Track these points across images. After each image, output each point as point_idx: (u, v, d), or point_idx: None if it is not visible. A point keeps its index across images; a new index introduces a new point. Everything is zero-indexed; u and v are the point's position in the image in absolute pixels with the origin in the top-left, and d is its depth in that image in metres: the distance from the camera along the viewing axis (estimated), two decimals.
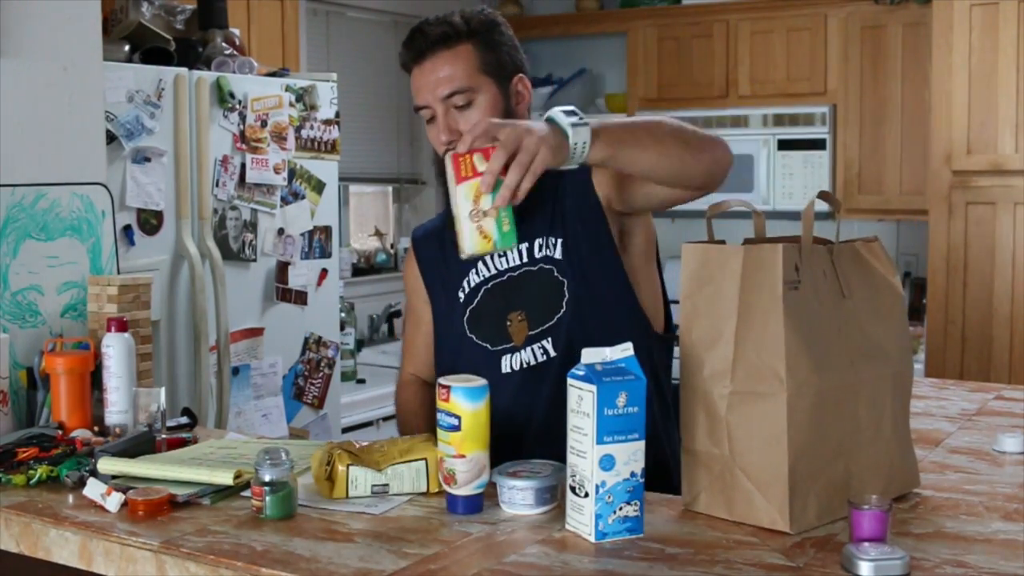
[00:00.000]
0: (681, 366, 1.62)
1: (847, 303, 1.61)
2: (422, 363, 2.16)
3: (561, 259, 1.94)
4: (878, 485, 1.58)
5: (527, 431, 1.89)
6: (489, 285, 1.98)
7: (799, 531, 1.51)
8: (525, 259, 1.97)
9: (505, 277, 1.98)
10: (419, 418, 2.08)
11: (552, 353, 1.92)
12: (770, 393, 1.51)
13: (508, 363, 1.95)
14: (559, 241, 1.95)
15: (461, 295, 2.01)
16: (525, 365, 1.95)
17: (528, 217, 1.91)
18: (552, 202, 1.97)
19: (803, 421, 1.51)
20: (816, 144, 4.46)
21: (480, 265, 1.99)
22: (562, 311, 1.93)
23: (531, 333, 1.94)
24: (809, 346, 1.52)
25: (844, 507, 1.46)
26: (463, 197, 1.41)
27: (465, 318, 2.00)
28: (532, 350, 1.94)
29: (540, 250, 1.95)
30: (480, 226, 1.41)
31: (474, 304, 1.99)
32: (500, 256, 1.96)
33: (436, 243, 2.11)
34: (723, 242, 1.73)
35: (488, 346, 1.97)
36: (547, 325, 1.93)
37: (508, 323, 1.97)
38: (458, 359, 1.98)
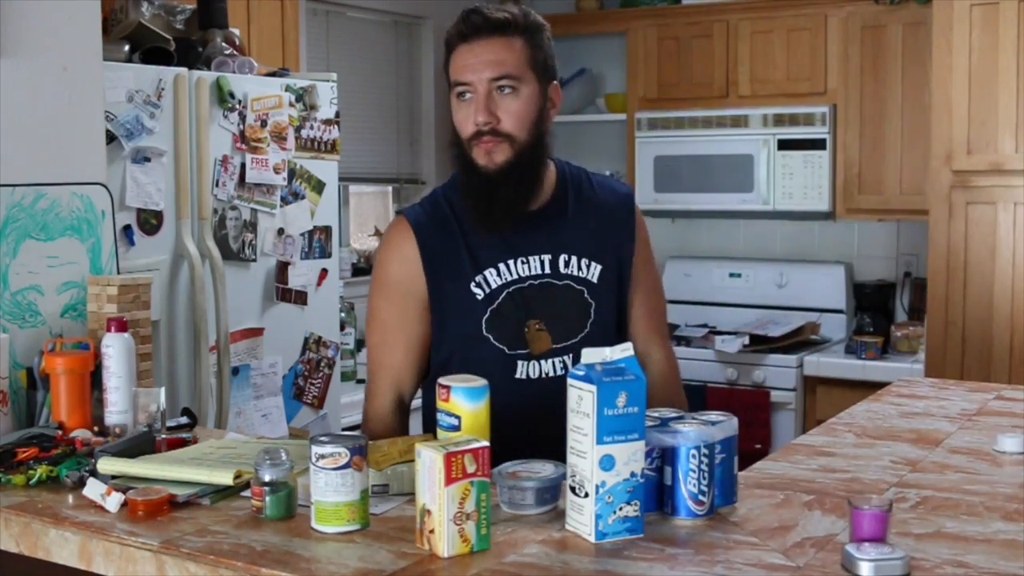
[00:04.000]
0: None
1: None
2: (407, 380, 2.09)
3: (596, 284, 2.06)
4: None
5: (534, 437, 1.84)
6: (511, 289, 2.02)
7: None
8: (548, 271, 2.04)
9: (527, 284, 2.03)
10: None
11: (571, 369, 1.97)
12: None
13: (523, 370, 2.03)
14: (598, 268, 2.07)
15: (479, 292, 2.02)
16: (544, 375, 2.02)
17: (555, 230, 2.05)
18: (595, 227, 2.09)
19: None
20: (816, 144, 4.46)
21: (500, 266, 2.02)
22: (586, 331, 2.04)
23: (555, 347, 2.03)
24: None
25: None
26: (450, 499, 1.41)
27: (485, 318, 2.01)
28: (552, 363, 2.03)
29: (566, 267, 2.05)
30: (462, 529, 1.42)
31: (495, 305, 2.02)
32: (523, 262, 2.03)
33: (441, 230, 2.04)
34: None
35: (505, 349, 2.02)
36: (571, 342, 2.03)
37: (526, 330, 2.01)
38: (470, 357, 2.00)
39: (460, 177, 2.03)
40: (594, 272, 2.07)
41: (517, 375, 2.03)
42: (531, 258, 2.03)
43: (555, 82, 2.04)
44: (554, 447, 1.64)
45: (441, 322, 2.04)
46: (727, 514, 1.61)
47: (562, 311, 2.04)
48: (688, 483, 1.58)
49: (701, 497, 1.58)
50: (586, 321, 2.05)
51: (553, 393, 1.88)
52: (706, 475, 1.58)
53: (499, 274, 2.02)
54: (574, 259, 2.05)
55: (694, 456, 1.58)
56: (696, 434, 1.59)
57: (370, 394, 2.10)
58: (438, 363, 2.05)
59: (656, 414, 1.67)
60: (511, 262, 2.03)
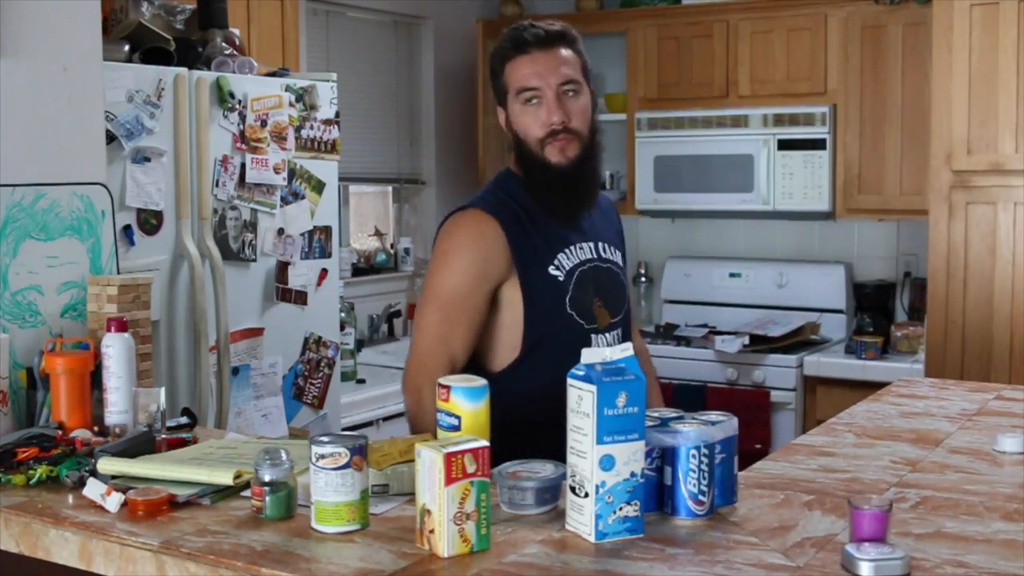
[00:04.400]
0: None
1: None
2: (461, 359, 2.15)
3: (623, 268, 2.35)
4: None
5: None
6: (579, 270, 2.22)
7: None
8: (595, 255, 2.27)
9: (587, 266, 2.24)
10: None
11: (620, 341, 2.22)
12: None
13: (595, 342, 2.23)
14: (620, 255, 2.35)
15: (559, 274, 2.19)
16: (608, 347, 2.19)
17: (594, 220, 2.30)
18: (606, 221, 2.37)
19: None
20: (816, 144, 4.46)
21: (567, 250, 2.21)
22: (625, 307, 2.32)
23: (612, 320, 2.26)
24: None
25: None
26: (450, 499, 1.41)
27: (568, 296, 2.19)
28: (611, 335, 2.26)
29: (605, 252, 2.29)
30: (462, 529, 1.42)
31: (572, 284, 2.20)
32: (579, 248, 2.23)
33: (516, 220, 2.17)
34: None
35: (584, 324, 2.21)
36: (619, 317, 2.29)
37: (593, 306, 2.24)
38: (559, 335, 2.17)
39: (528, 174, 2.19)
40: (619, 258, 2.34)
41: (592, 347, 2.17)
42: (583, 244, 2.24)
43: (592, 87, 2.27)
44: None
45: (531, 305, 2.15)
46: (727, 514, 1.61)
47: (611, 289, 2.27)
48: (688, 483, 1.58)
49: (701, 497, 1.58)
50: (625, 298, 2.32)
51: None
52: (706, 475, 1.58)
53: (568, 257, 2.21)
54: (607, 246, 2.30)
55: (694, 456, 1.58)
56: (696, 434, 1.59)
57: (426, 369, 2.11)
58: (530, 343, 2.16)
59: (656, 414, 1.68)
60: (571, 248, 2.22)
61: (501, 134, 5.44)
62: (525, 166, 2.19)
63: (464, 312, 2.12)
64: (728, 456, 1.64)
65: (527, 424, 1.97)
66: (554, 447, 1.70)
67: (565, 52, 2.18)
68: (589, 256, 2.24)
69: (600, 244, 2.28)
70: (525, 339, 2.15)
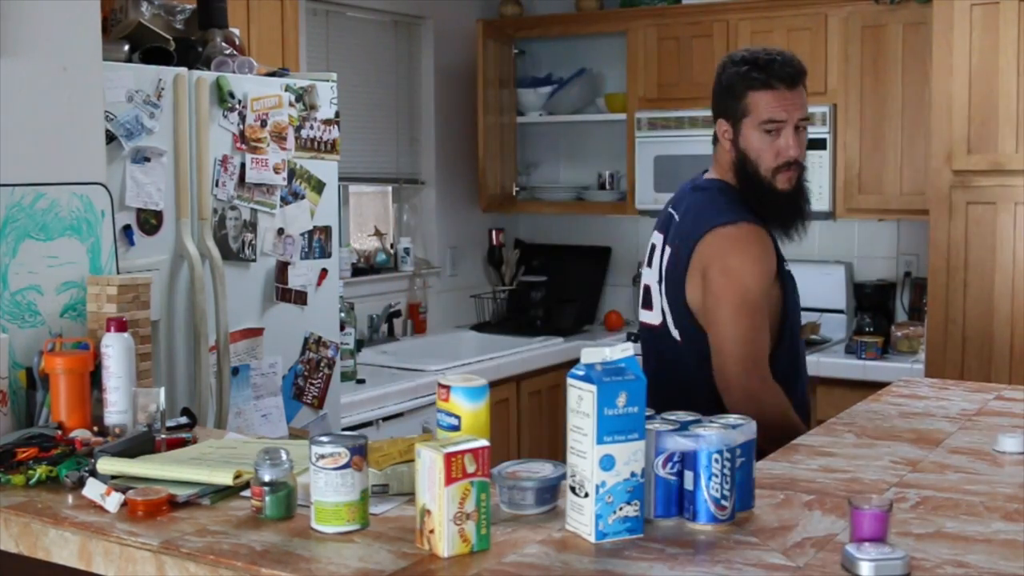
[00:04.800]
0: None
1: None
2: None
3: None
4: None
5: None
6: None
7: None
8: None
9: None
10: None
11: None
12: None
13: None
14: None
15: (791, 271, 2.50)
16: None
17: None
18: None
19: None
20: (816, 144, 4.45)
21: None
22: None
23: None
24: None
25: None
26: (450, 499, 1.41)
27: (796, 290, 2.50)
28: None
29: None
30: (462, 529, 1.42)
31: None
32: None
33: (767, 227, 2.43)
34: None
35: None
36: None
37: None
38: (796, 324, 2.48)
39: (751, 192, 2.42)
40: None
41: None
42: None
43: None
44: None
45: (787, 298, 2.44)
46: None
47: None
48: (711, 488, 1.56)
49: (723, 502, 1.57)
50: None
51: None
52: (728, 479, 1.56)
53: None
54: None
55: (716, 460, 1.56)
56: (718, 438, 1.57)
57: (752, 372, 2.30)
58: (782, 332, 2.41)
59: (674, 417, 1.66)
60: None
61: (501, 134, 5.44)
62: (749, 185, 2.41)
63: (766, 314, 2.36)
64: (747, 460, 1.62)
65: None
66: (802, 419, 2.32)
67: (802, 89, 2.40)
68: None
69: None
70: (781, 328, 2.41)
